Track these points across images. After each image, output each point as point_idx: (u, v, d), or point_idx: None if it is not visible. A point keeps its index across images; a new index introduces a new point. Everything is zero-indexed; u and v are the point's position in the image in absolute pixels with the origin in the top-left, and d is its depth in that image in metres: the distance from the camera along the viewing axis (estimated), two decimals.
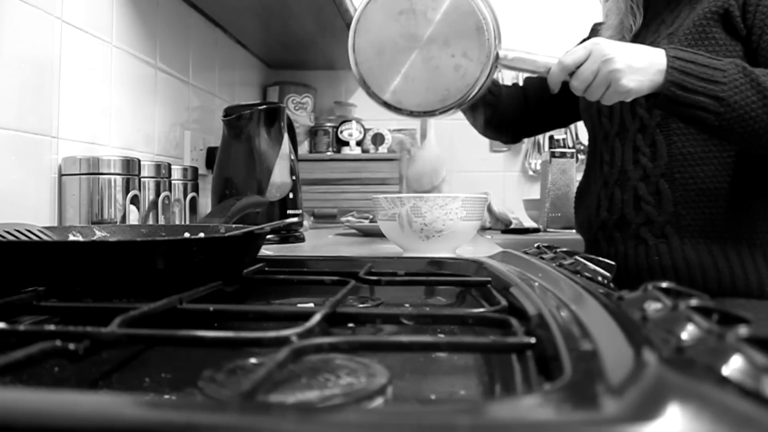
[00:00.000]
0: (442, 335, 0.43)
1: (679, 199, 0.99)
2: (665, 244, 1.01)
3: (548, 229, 1.75)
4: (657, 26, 1.06)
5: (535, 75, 0.94)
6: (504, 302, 0.41)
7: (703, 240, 0.98)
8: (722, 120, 0.84)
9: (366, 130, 2.11)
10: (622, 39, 1.10)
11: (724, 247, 0.98)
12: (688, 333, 0.25)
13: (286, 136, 1.23)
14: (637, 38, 1.09)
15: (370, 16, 0.88)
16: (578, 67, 0.85)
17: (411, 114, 0.92)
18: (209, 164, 1.41)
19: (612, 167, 1.08)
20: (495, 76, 0.93)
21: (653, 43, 1.01)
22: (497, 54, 0.87)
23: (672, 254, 1.00)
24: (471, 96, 0.89)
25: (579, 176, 1.29)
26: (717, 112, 0.84)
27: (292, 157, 1.25)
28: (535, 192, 2.12)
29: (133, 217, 0.99)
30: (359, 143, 2.11)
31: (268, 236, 1.15)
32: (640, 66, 0.84)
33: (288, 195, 1.22)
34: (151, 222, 1.06)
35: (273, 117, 1.20)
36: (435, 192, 0.87)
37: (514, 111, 1.23)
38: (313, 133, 2.13)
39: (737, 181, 0.97)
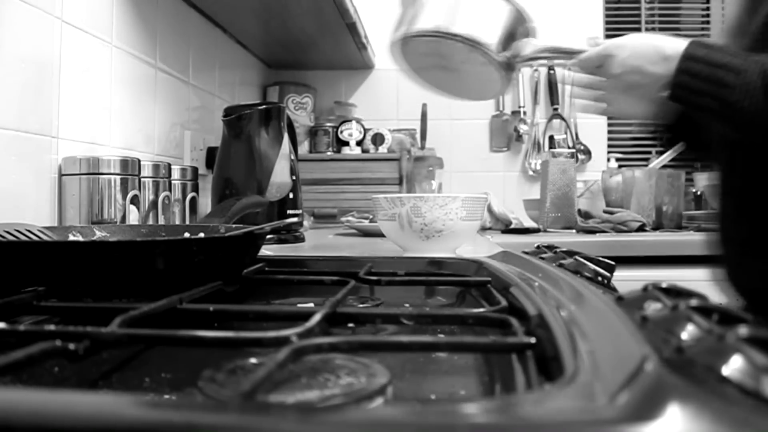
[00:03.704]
0: (442, 335, 0.43)
1: None
2: None
3: (548, 229, 1.75)
4: None
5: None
6: (504, 302, 0.41)
7: None
8: (728, 123, 0.82)
9: (366, 130, 2.11)
10: None
11: None
12: (688, 333, 0.25)
13: (286, 136, 1.22)
14: None
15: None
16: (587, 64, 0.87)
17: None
18: (209, 164, 1.41)
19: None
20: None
21: None
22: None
23: None
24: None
25: (579, 176, 1.29)
26: (724, 115, 0.81)
27: (292, 157, 1.25)
28: (535, 192, 2.11)
29: (133, 217, 0.99)
30: (359, 143, 2.10)
31: (268, 236, 1.15)
32: (643, 81, 0.83)
33: (288, 195, 1.22)
34: (151, 222, 1.06)
35: (273, 117, 1.20)
36: None
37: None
38: (313, 133, 2.13)
39: None
